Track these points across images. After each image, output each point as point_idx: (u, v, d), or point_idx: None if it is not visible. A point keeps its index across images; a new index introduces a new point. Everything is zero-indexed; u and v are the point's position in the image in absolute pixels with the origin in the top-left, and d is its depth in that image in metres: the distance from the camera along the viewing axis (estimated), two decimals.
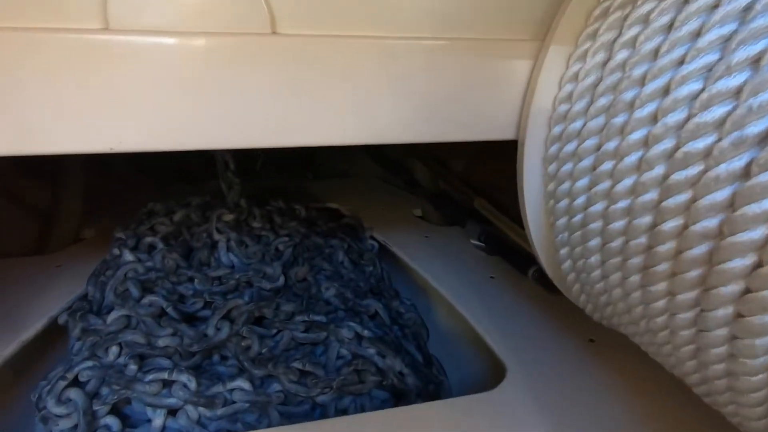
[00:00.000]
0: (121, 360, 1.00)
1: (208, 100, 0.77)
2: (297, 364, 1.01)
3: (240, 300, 1.13)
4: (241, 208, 1.49)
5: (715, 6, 0.45)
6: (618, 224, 0.65)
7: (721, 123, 0.43)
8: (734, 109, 0.42)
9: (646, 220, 0.58)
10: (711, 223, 0.44)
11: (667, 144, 0.52)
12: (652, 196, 0.56)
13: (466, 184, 1.88)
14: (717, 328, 0.45)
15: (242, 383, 0.97)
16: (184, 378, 0.95)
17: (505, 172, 1.02)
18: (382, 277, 1.55)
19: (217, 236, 1.37)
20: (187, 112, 0.77)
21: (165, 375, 0.94)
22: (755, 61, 0.40)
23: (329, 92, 0.76)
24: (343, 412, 1.01)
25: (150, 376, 0.94)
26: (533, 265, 1.42)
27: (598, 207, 0.71)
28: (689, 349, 0.51)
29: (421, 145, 2.14)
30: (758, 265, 0.40)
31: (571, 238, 0.83)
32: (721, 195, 0.42)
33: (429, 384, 1.12)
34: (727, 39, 0.43)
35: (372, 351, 1.10)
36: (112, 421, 0.93)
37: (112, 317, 1.05)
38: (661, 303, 0.53)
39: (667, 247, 0.51)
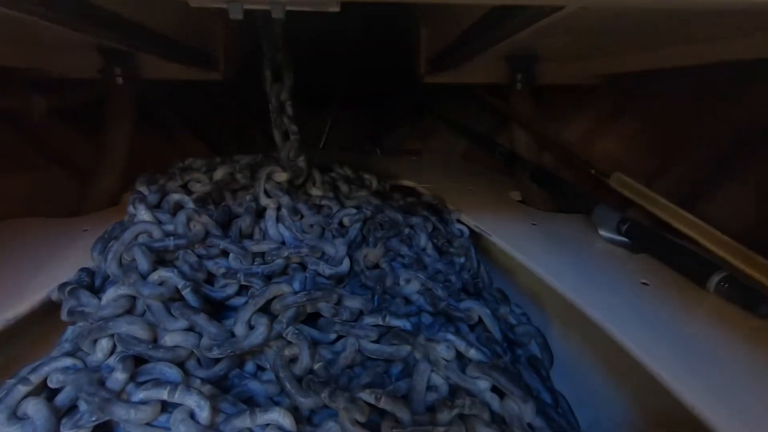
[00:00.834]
0: (112, 361, 0.67)
1: None
2: (367, 396, 0.63)
3: (287, 287, 0.76)
4: (298, 168, 1.13)
5: None
6: None
7: None
8: None
9: None
10: None
11: None
12: None
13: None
14: None
15: (281, 418, 0.60)
16: (191, 401, 0.60)
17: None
18: (478, 273, 1.13)
19: (264, 200, 1.02)
20: None
21: (164, 393, 0.60)
22: None
23: None
24: None
25: (141, 394, 0.60)
26: (717, 271, 0.94)
27: None
28: None
29: (521, 108, 1.70)
30: None
31: None
32: None
33: None
34: None
35: (484, 384, 0.69)
36: None
37: (107, 297, 0.73)
38: None
39: None
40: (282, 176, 1.06)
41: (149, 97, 2.09)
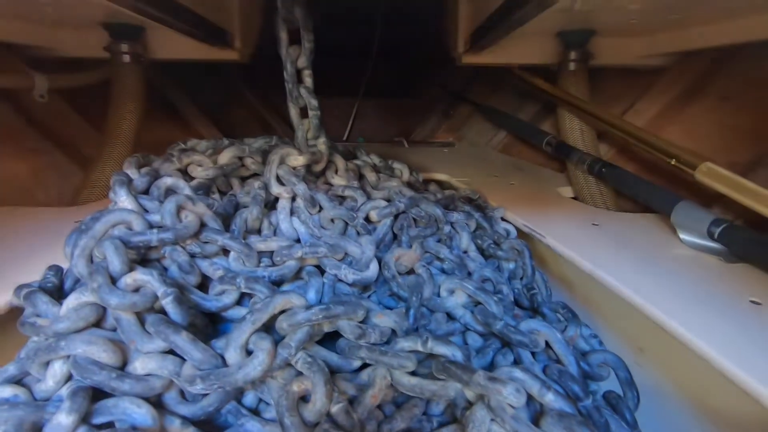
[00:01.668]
0: (64, 392, 0.50)
1: None
2: None
3: (298, 298, 0.58)
4: (317, 152, 0.95)
5: None
6: None
7: None
8: None
9: None
10: None
11: None
12: None
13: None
14: None
15: None
16: None
17: None
18: (533, 283, 0.92)
19: (276, 188, 0.84)
20: None
21: None
22: None
23: None
24: None
25: None
26: None
27: None
28: None
29: (574, 92, 1.48)
30: None
31: None
32: None
33: None
34: None
35: None
36: None
37: (67, 305, 0.56)
38: None
39: None
40: (298, 160, 0.88)
41: (161, 79, 1.96)
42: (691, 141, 1.45)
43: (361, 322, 0.61)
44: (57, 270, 0.69)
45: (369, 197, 0.95)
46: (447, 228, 0.94)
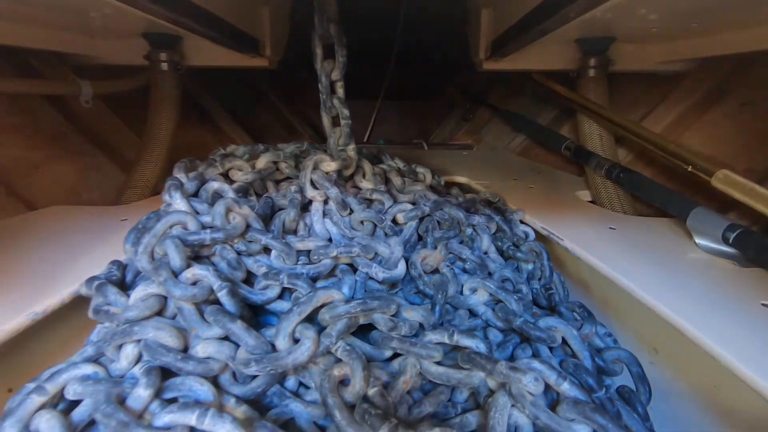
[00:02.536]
0: (137, 370, 0.58)
1: None
2: None
3: (338, 293, 0.64)
4: (347, 157, 1.02)
5: None
6: None
7: None
8: None
9: None
10: None
11: None
12: None
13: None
14: None
15: None
16: (223, 430, 0.49)
17: None
18: (551, 283, 0.97)
19: (310, 192, 0.91)
20: None
21: (192, 419, 0.49)
22: None
23: None
24: None
25: (165, 418, 0.50)
26: None
27: None
28: None
29: (592, 97, 1.51)
30: None
31: None
32: None
33: None
34: None
35: (583, 429, 0.54)
36: None
37: (135, 296, 0.64)
38: None
39: None
40: (330, 166, 0.94)
41: (191, 84, 2.06)
42: (711, 146, 1.47)
43: (392, 316, 0.67)
44: (119, 264, 0.77)
45: (395, 200, 1.01)
46: (469, 230, 0.99)
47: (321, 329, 0.64)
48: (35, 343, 0.79)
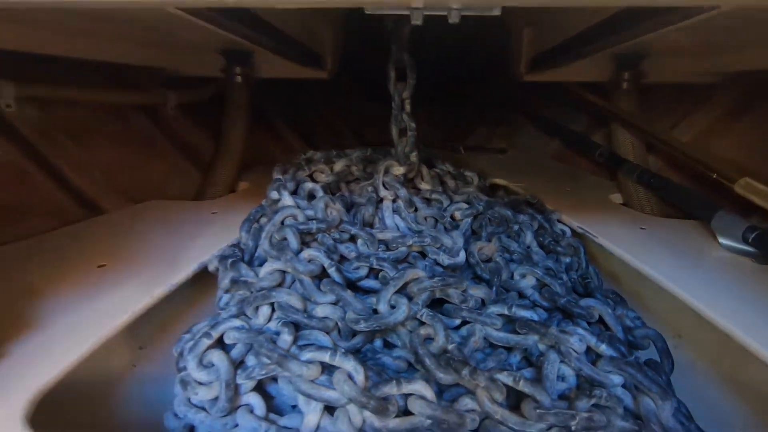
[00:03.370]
0: (272, 325, 0.77)
1: None
2: (505, 378, 0.67)
3: (421, 272, 0.82)
4: (412, 163, 1.20)
5: None
6: None
7: None
8: None
9: None
10: None
11: None
12: None
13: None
14: None
15: (423, 389, 0.66)
16: (349, 366, 0.67)
17: None
18: (587, 274, 1.13)
19: (383, 192, 1.10)
20: None
21: (326, 357, 0.68)
22: None
23: None
24: None
25: (307, 355, 0.68)
26: None
27: None
28: None
29: (624, 107, 1.62)
30: None
31: None
32: None
33: None
34: None
35: (617, 379, 0.70)
36: (256, 401, 0.70)
37: (265, 270, 0.84)
38: None
39: None
40: (399, 170, 1.12)
41: (256, 93, 2.28)
42: (740, 153, 1.57)
43: (463, 293, 0.84)
44: (238, 247, 0.97)
45: (451, 200, 1.19)
46: (515, 227, 1.16)
47: (408, 300, 0.82)
48: (156, 311, 0.99)
